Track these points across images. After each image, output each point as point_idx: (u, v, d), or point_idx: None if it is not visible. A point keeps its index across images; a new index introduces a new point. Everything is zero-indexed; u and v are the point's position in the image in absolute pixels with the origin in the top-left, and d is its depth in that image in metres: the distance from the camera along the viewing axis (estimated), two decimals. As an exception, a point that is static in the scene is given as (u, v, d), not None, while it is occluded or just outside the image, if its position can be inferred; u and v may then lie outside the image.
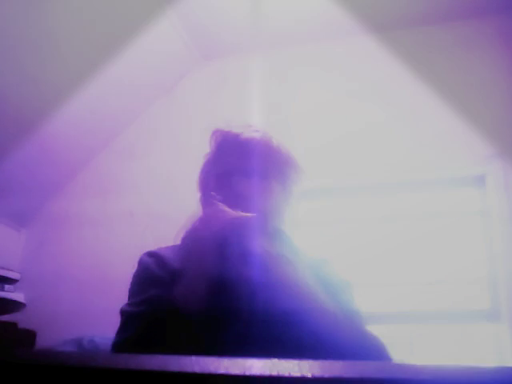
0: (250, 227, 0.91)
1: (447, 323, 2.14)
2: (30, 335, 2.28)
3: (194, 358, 0.30)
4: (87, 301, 2.36)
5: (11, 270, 2.53)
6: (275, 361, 0.30)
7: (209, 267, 0.90)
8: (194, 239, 1.03)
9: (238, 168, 1.04)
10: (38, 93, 2.24)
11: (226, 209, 0.95)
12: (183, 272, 0.93)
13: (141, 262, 0.99)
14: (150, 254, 0.99)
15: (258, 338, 0.82)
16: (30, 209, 2.68)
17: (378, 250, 2.26)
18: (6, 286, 2.49)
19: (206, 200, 1.09)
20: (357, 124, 2.38)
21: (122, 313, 0.91)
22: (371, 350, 0.83)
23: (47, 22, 2.04)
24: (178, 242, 1.08)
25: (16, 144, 2.34)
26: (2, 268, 2.48)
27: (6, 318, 2.25)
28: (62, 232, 2.64)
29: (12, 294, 2.47)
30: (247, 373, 0.29)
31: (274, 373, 0.29)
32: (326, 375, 0.29)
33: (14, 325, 2.29)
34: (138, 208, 2.54)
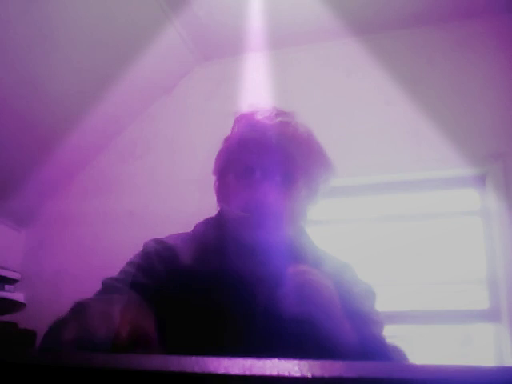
0: (265, 229, 0.88)
1: (447, 323, 2.14)
2: (30, 335, 2.28)
3: (194, 358, 0.30)
4: (87, 301, 2.36)
5: (11, 270, 2.53)
6: (275, 361, 0.30)
7: (217, 264, 0.89)
8: (204, 236, 0.98)
9: (261, 165, 0.93)
10: (38, 93, 2.24)
11: (238, 211, 0.91)
12: (190, 268, 0.90)
13: (144, 247, 0.96)
14: (157, 242, 0.96)
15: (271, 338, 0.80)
16: (30, 209, 2.68)
17: (377, 250, 2.26)
18: (6, 286, 2.49)
19: (221, 194, 1.01)
20: (356, 124, 2.38)
21: (103, 282, 0.89)
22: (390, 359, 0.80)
23: (48, 23, 2.04)
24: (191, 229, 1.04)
25: (16, 144, 2.34)
26: (2, 268, 2.48)
27: (6, 318, 2.25)
28: (62, 232, 2.64)
29: (12, 293, 2.47)
30: (247, 373, 0.29)
31: (274, 373, 0.29)
32: (326, 375, 0.29)
33: (13, 325, 2.29)
34: (137, 208, 2.54)
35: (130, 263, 0.94)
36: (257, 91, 2.34)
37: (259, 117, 0.98)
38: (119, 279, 0.89)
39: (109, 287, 0.87)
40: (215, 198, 1.02)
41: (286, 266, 0.86)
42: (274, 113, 1.00)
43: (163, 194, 2.53)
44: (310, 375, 0.29)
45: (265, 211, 0.89)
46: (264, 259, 0.90)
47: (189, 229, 1.05)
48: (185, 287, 0.87)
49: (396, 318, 2.14)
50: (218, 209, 1.02)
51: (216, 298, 0.85)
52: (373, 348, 0.81)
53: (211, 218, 1.03)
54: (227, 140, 1.02)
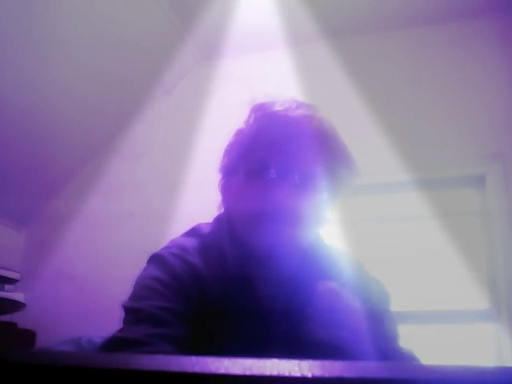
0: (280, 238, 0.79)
1: (447, 323, 2.13)
2: (29, 335, 2.28)
3: (194, 358, 0.30)
4: (87, 301, 2.36)
5: (11, 270, 2.53)
6: (275, 361, 0.30)
7: (243, 295, 0.80)
8: (221, 253, 0.86)
9: (277, 162, 0.82)
10: (38, 92, 2.24)
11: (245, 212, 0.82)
12: (219, 304, 0.80)
13: (164, 260, 0.82)
14: (180, 258, 0.82)
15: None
16: (30, 209, 2.68)
17: (377, 250, 2.25)
18: (6, 286, 2.49)
19: (228, 194, 0.90)
20: (356, 124, 2.38)
21: (143, 309, 0.76)
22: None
23: (49, 20, 2.04)
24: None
25: (16, 144, 2.34)
26: (2, 268, 2.48)
27: (6, 318, 2.25)
28: (62, 232, 2.64)
29: (12, 293, 2.47)
30: (247, 373, 0.29)
31: (274, 373, 0.29)
32: (326, 375, 0.29)
33: (13, 325, 2.29)
34: (138, 208, 2.54)
35: (154, 279, 0.79)
36: (257, 91, 2.34)
37: (278, 108, 0.86)
38: (162, 307, 0.75)
39: (154, 317, 0.74)
40: (219, 198, 0.92)
41: (306, 278, 0.82)
42: (296, 104, 0.89)
43: (163, 194, 2.53)
44: (309, 375, 0.29)
45: (280, 216, 0.79)
46: (281, 272, 0.82)
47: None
48: (215, 315, 0.79)
49: (396, 318, 2.14)
50: (222, 210, 0.92)
51: (237, 320, 0.78)
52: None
53: (220, 226, 0.90)
54: (239, 133, 0.90)
